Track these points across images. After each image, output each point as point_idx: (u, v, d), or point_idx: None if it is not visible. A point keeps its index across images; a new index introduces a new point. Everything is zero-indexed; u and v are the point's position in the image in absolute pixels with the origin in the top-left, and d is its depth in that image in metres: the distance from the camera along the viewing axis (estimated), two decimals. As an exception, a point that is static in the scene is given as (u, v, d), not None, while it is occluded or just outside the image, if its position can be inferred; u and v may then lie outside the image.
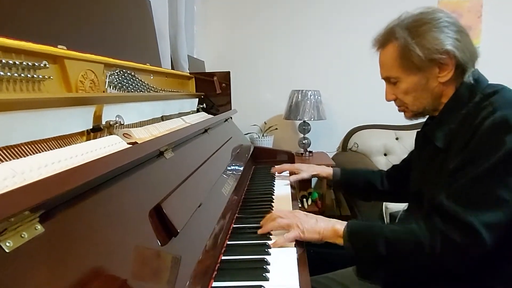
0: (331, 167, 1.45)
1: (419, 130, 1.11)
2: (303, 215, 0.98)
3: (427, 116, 1.07)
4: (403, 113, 1.05)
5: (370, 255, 0.88)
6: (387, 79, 1.02)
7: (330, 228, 0.92)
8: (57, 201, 0.47)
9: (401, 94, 1.00)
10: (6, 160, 0.56)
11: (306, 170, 1.48)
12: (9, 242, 0.39)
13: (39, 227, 0.43)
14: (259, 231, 0.97)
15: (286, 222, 0.95)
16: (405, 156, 1.31)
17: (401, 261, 0.87)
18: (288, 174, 1.61)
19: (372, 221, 0.98)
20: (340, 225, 0.92)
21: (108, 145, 0.73)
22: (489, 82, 0.96)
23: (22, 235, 0.41)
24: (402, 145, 2.80)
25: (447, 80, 0.94)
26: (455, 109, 0.94)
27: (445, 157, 0.92)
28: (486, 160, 0.80)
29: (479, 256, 0.81)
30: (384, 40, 0.99)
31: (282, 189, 1.45)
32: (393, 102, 1.05)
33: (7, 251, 0.39)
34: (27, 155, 0.60)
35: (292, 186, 1.49)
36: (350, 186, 1.41)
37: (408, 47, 0.93)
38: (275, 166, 1.61)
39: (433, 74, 0.94)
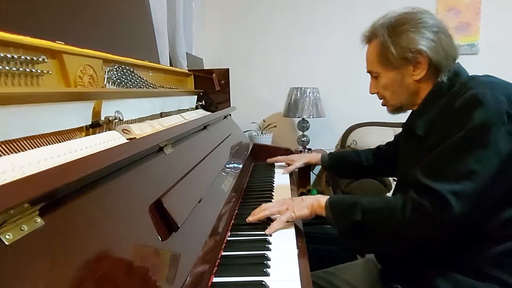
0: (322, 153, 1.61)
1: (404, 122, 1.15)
2: (289, 199, 1.06)
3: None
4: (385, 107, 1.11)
5: (348, 222, 0.92)
6: (370, 73, 1.08)
7: (316, 201, 1.00)
8: (57, 194, 0.47)
9: (381, 89, 1.06)
10: (5, 154, 0.55)
11: (298, 160, 1.66)
12: (8, 235, 0.39)
13: (39, 220, 0.43)
14: (248, 219, 1.02)
15: (276, 209, 1.03)
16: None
17: (375, 226, 0.91)
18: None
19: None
20: (323, 198, 1.00)
21: (107, 141, 0.73)
22: (470, 75, 0.98)
23: (22, 228, 0.41)
24: (401, 142, 2.80)
25: (422, 78, 0.98)
26: (435, 99, 0.97)
27: (426, 144, 0.94)
28: (456, 134, 0.84)
29: (449, 226, 0.83)
30: (369, 36, 1.05)
31: (281, 186, 1.46)
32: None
33: (6, 243, 0.38)
34: (26, 150, 0.59)
35: (291, 183, 1.50)
36: (339, 167, 1.54)
37: (385, 45, 0.98)
38: (271, 158, 1.78)
39: (408, 72, 0.99)
